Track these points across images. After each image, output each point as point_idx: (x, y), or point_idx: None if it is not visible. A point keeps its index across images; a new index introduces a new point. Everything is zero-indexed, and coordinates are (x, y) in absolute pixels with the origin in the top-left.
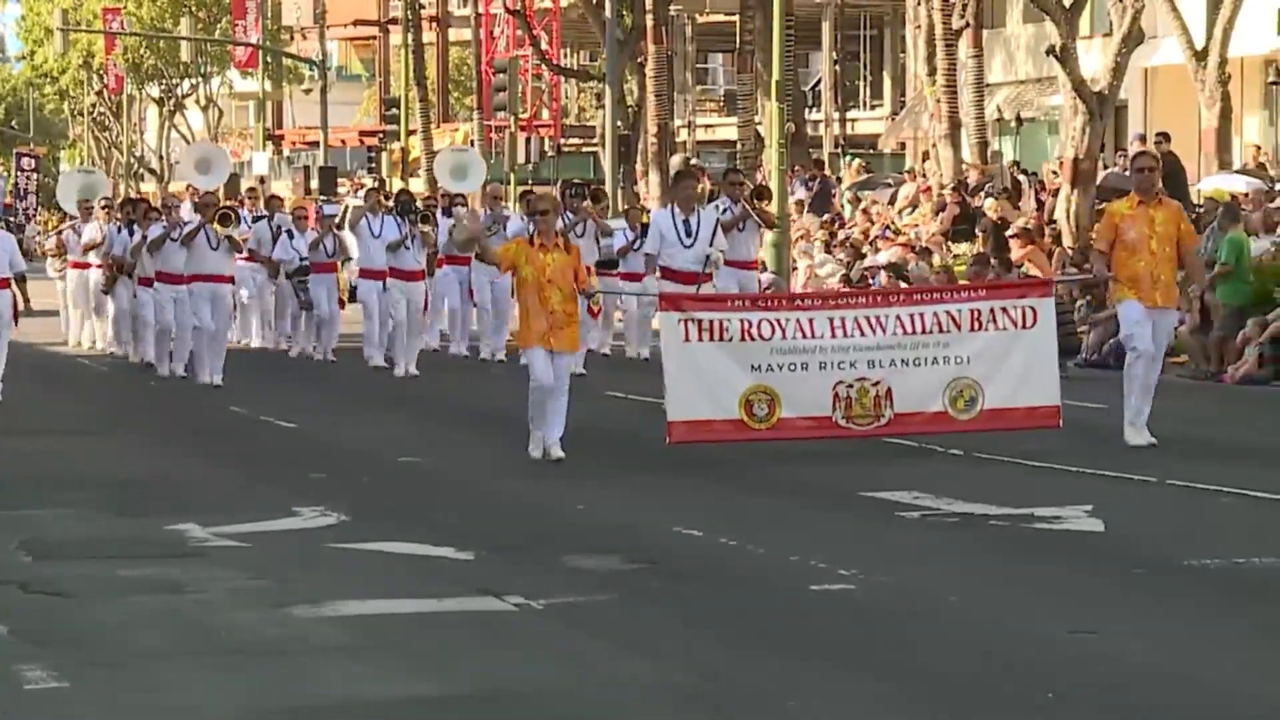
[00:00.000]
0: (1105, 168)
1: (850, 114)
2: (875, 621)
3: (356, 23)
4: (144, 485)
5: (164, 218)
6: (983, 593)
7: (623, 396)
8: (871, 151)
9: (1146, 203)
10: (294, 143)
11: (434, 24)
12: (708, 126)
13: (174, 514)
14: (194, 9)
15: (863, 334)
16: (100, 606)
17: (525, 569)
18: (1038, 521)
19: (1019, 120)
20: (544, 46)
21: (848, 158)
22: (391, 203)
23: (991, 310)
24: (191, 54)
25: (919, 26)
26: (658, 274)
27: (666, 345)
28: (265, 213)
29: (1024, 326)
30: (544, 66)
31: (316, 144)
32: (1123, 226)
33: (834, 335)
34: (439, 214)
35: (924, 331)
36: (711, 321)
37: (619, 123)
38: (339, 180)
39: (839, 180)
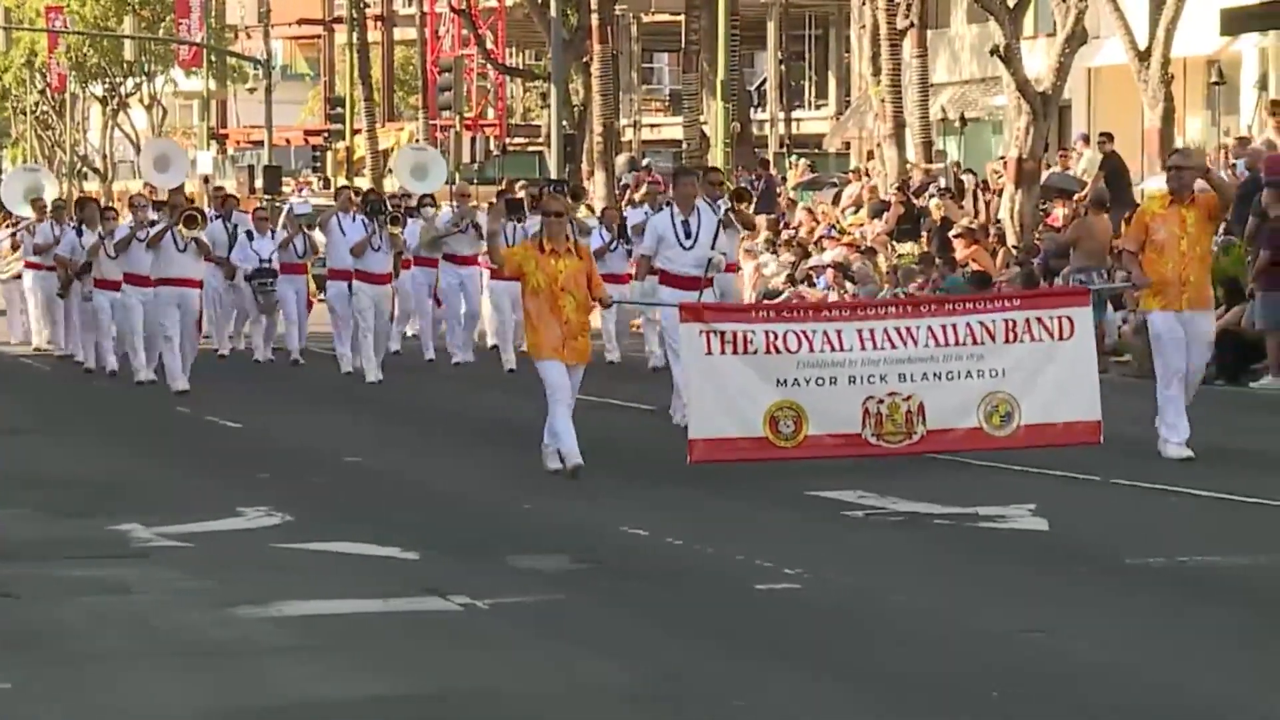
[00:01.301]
0: (1048, 167)
1: (795, 114)
2: (820, 620)
3: (301, 21)
4: (88, 486)
5: (132, 216)
6: (927, 592)
7: None
8: (817, 151)
9: (1179, 202)
10: (238, 142)
11: (379, 23)
12: (653, 126)
13: (118, 514)
14: (137, 7)
15: (893, 346)
16: (44, 607)
17: (471, 569)
18: (982, 521)
19: (963, 120)
20: (489, 46)
21: (793, 157)
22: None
23: (1027, 320)
24: (135, 53)
25: (864, 27)
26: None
27: (687, 358)
28: (221, 212)
29: (1061, 337)
30: (489, 66)
31: (261, 143)
32: (1153, 226)
33: (863, 347)
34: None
35: (957, 343)
36: (735, 333)
37: (564, 122)
38: (283, 179)
39: (784, 180)
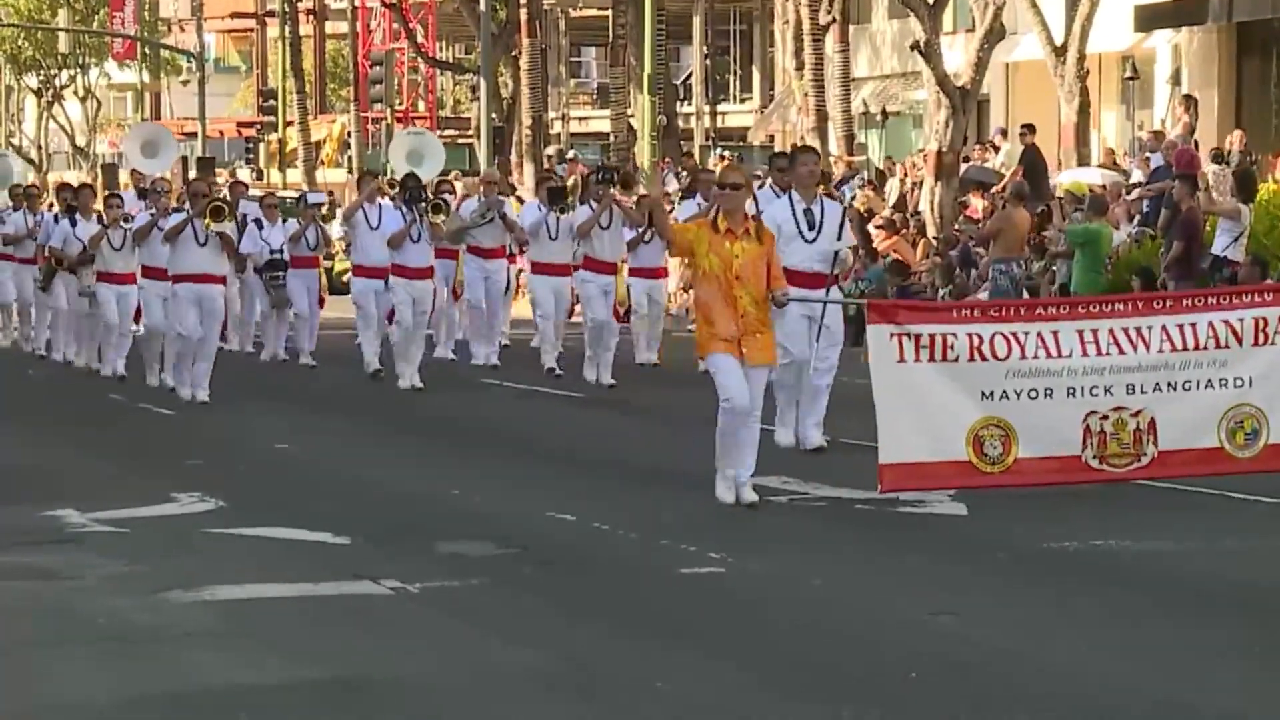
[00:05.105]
0: (966, 160)
1: (720, 107)
2: (742, 604)
3: (234, 15)
4: (20, 472)
5: (153, 203)
6: (847, 576)
7: (497, 384)
8: (741, 144)
9: None
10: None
11: (310, 16)
12: (581, 119)
13: (51, 500)
14: (72, 1)
15: (1121, 351)
16: None
17: (401, 554)
18: (902, 506)
19: (884, 114)
20: (420, 39)
21: (718, 150)
22: (397, 190)
23: None
24: (69, 45)
25: (787, 22)
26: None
27: (877, 367)
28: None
29: None
30: (420, 59)
31: (195, 135)
32: None
33: (1085, 353)
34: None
35: (1197, 347)
36: (933, 337)
37: (493, 115)
38: (217, 171)
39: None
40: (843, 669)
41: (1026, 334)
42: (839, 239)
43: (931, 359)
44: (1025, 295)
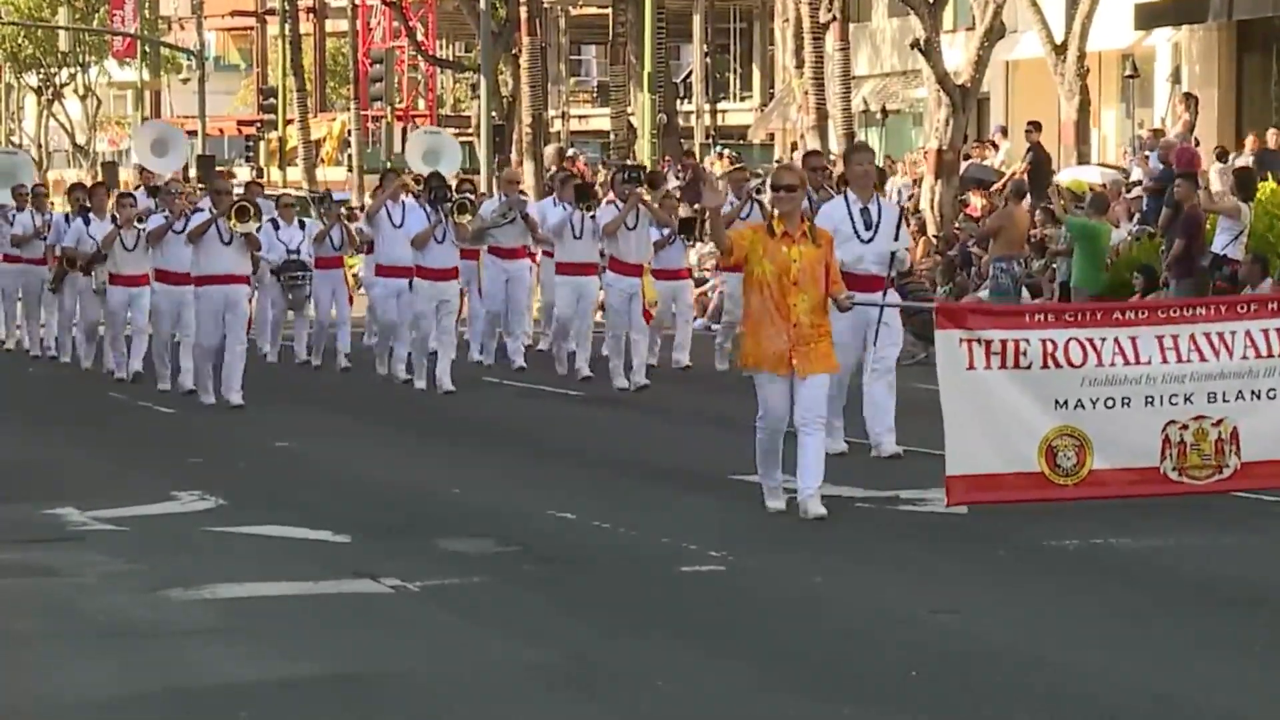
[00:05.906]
0: (966, 159)
1: (720, 105)
2: (743, 602)
3: (234, 13)
4: (21, 469)
5: (167, 205)
6: (847, 574)
7: (498, 383)
8: (741, 142)
9: None
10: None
11: (311, 15)
12: (581, 117)
13: (52, 498)
14: None
15: (1202, 358)
16: None
17: (402, 552)
18: (903, 504)
19: (884, 112)
20: (420, 37)
21: (718, 149)
22: (421, 188)
23: None
24: (70, 43)
25: (787, 20)
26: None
27: (945, 374)
28: None
29: None
30: (420, 57)
31: (195, 133)
32: None
33: (1165, 360)
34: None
35: None
36: (1004, 343)
37: (494, 113)
38: (217, 169)
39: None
40: (843, 667)
41: (1103, 340)
42: (895, 239)
43: (1003, 366)
44: (1026, 293)
